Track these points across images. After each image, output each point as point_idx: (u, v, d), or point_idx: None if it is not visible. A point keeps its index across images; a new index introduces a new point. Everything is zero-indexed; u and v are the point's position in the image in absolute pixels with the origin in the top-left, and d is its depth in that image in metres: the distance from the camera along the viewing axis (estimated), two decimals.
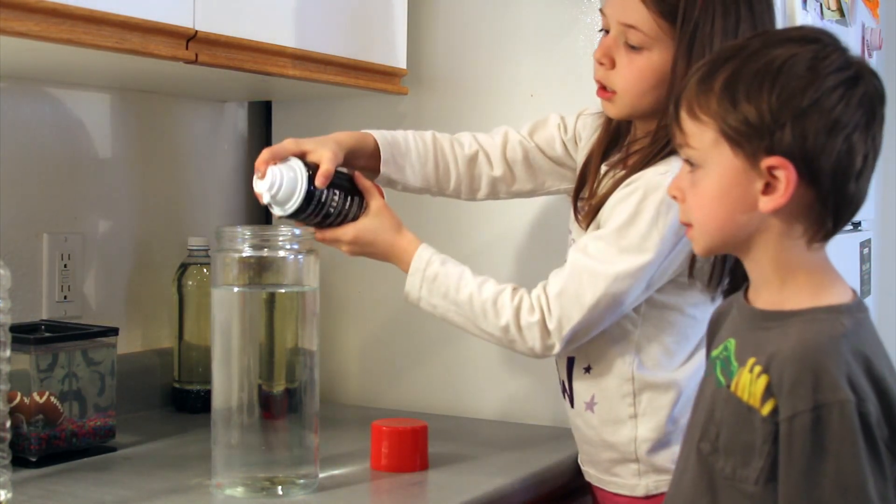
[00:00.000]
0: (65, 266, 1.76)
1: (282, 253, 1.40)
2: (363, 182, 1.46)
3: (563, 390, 1.53)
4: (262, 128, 2.16)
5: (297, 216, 1.39)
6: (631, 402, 1.44)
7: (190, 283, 1.86)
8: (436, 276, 1.43)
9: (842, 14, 2.15)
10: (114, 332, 1.62)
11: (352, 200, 1.43)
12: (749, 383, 1.05)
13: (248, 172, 2.12)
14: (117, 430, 1.62)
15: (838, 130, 1.03)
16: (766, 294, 1.11)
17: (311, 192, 1.37)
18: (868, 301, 2.34)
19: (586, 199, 1.49)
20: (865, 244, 2.45)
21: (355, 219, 1.44)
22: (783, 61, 1.04)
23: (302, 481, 1.40)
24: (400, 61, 1.87)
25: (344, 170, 1.45)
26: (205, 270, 1.86)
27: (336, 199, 1.41)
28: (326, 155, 1.40)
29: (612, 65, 1.42)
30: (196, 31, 1.49)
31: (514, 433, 1.78)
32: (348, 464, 1.52)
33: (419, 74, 1.92)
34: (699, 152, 1.09)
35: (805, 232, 1.07)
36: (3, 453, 1.30)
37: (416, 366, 1.95)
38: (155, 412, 1.87)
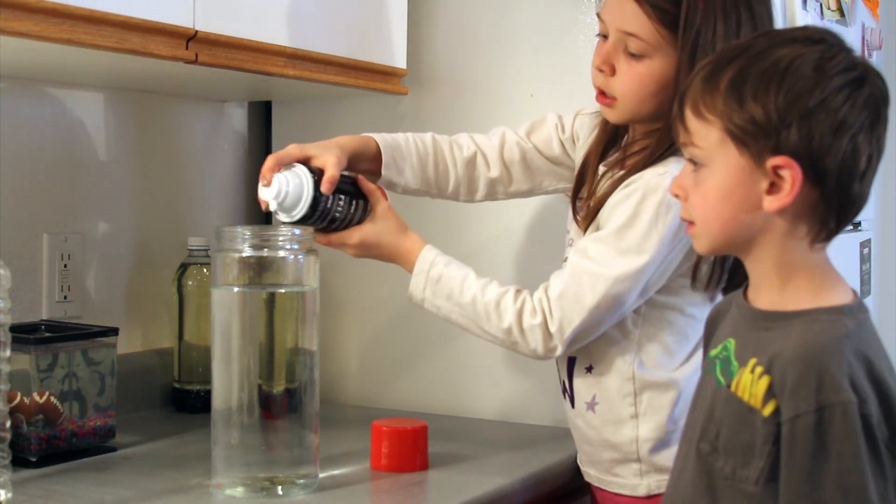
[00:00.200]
0: (65, 266, 1.76)
1: (282, 253, 1.40)
2: (367, 185, 1.46)
3: (564, 390, 1.53)
4: (262, 128, 2.16)
5: (303, 222, 1.40)
6: (632, 402, 1.44)
7: (190, 283, 1.86)
8: (440, 278, 1.43)
9: (842, 14, 2.15)
10: (114, 332, 1.61)
11: (356, 204, 1.44)
12: (750, 384, 1.05)
13: (248, 172, 2.12)
14: (117, 430, 1.62)
15: (844, 131, 1.03)
16: (767, 294, 1.11)
17: (317, 199, 1.38)
18: (868, 301, 2.34)
19: (584, 199, 1.49)
20: (865, 244, 2.45)
21: (360, 222, 1.45)
22: (790, 61, 1.04)
23: (302, 481, 1.40)
24: (400, 61, 1.87)
25: (347, 174, 1.46)
26: (205, 270, 1.85)
27: (341, 204, 1.41)
28: (331, 160, 1.40)
29: (613, 72, 1.42)
30: (196, 31, 1.49)
31: (514, 433, 1.78)
32: (348, 464, 1.52)
33: (419, 74, 1.92)
34: (704, 151, 1.09)
35: (808, 232, 1.07)
36: (3, 453, 1.30)
37: (416, 366, 1.95)
38: (155, 412, 1.87)
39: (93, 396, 1.57)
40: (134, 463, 1.54)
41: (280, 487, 1.38)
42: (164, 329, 1.93)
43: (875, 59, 2.44)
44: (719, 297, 1.42)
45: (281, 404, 1.41)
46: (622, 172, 1.44)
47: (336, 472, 1.49)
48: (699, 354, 1.41)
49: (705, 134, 1.08)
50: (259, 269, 1.40)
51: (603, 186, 1.46)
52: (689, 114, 1.10)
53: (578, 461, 1.56)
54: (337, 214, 1.42)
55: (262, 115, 2.16)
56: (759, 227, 1.08)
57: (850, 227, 2.08)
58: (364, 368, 2.01)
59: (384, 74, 1.86)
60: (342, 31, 1.76)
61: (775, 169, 1.04)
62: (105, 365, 1.59)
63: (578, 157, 1.57)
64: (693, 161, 1.11)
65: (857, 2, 2.28)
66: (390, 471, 1.49)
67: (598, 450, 1.49)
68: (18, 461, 1.45)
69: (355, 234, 1.45)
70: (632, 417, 1.45)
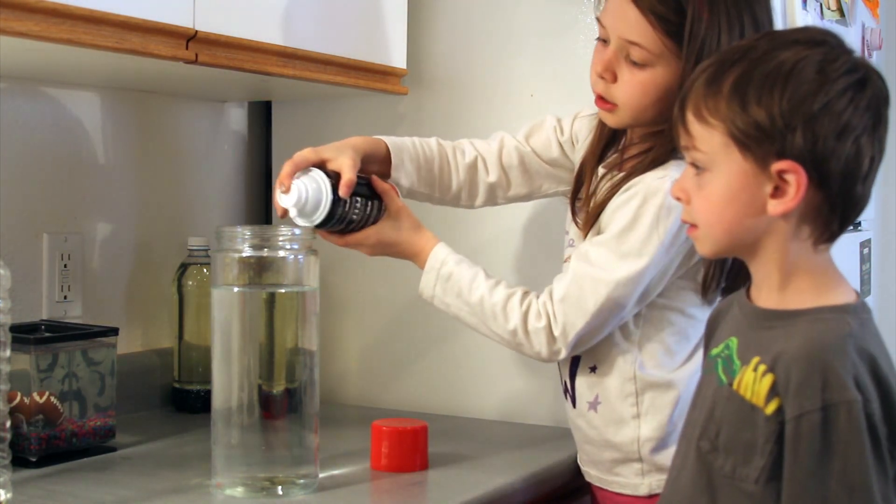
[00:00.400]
0: (65, 266, 1.76)
1: (282, 253, 1.40)
2: (381, 185, 1.47)
3: (565, 391, 1.53)
4: (262, 128, 2.16)
5: (322, 226, 1.41)
6: (633, 402, 1.44)
7: (190, 283, 1.86)
8: (450, 276, 1.44)
9: (842, 14, 2.15)
10: (114, 332, 1.61)
11: (372, 205, 1.45)
12: (753, 382, 1.05)
13: (248, 172, 2.12)
14: (117, 430, 1.61)
15: (848, 133, 1.03)
16: (770, 294, 1.11)
17: (335, 203, 1.39)
18: (868, 301, 2.34)
19: (583, 201, 1.49)
20: (865, 244, 2.45)
21: (375, 221, 1.46)
22: (793, 64, 1.04)
23: (302, 481, 1.39)
24: (400, 61, 1.87)
25: (361, 175, 1.46)
26: (205, 270, 1.85)
27: (358, 206, 1.42)
28: (347, 163, 1.41)
29: (614, 79, 1.41)
30: (196, 31, 1.49)
31: (514, 433, 1.78)
32: (348, 464, 1.52)
33: (419, 74, 1.92)
34: (707, 155, 1.09)
35: (811, 234, 1.07)
36: (3, 453, 1.30)
37: (416, 366, 1.95)
38: (155, 412, 1.87)
39: (93, 396, 1.57)
40: (134, 463, 1.54)
41: (280, 487, 1.38)
42: (164, 329, 1.93)
43: (875, 60, 2.44)
44: (719, 298, 1.42)
45: (281, 404, 1.41)
46: (621, 175, 1.44)
47: (336, 472, 1.48)
48: (700, 354, 1.41)
49: (708, 138, 1.08)
50: (259, 269, 1.40)
51: (602, 188, 1.46)
52: (690, 117, 1.10)
53: (579, 461, 1.56)
54: (354, 216, 1.42)
55: (262, 115, 2.16)
56: (763, 229, 1.08)
57: (851, 228, 2.08)
58: (364, 368, 2.01)
59: (384, 74, 1.86)
60: (342, 31, 1.76)
61: (780, 173, 1.04)
62: (105, 365, 1.59)
63: (578, 158, 1.57)
64: (695, 164, 1.11)
65: (857, 2, 2.28)
66: (390, 471, 1.49)
67: (599, 450, 1.49)
68: (18, 461, 1.45)
69: (372, 235, 1.46)
70: (633, 417, 1.45)
